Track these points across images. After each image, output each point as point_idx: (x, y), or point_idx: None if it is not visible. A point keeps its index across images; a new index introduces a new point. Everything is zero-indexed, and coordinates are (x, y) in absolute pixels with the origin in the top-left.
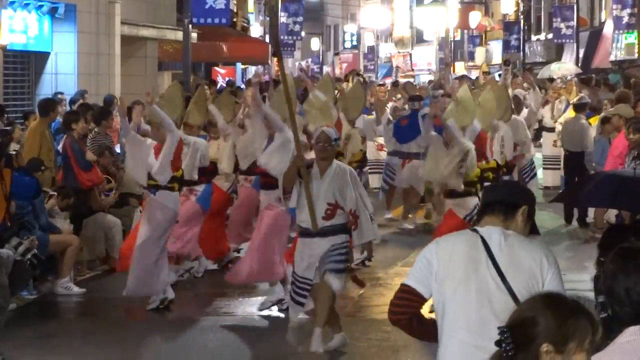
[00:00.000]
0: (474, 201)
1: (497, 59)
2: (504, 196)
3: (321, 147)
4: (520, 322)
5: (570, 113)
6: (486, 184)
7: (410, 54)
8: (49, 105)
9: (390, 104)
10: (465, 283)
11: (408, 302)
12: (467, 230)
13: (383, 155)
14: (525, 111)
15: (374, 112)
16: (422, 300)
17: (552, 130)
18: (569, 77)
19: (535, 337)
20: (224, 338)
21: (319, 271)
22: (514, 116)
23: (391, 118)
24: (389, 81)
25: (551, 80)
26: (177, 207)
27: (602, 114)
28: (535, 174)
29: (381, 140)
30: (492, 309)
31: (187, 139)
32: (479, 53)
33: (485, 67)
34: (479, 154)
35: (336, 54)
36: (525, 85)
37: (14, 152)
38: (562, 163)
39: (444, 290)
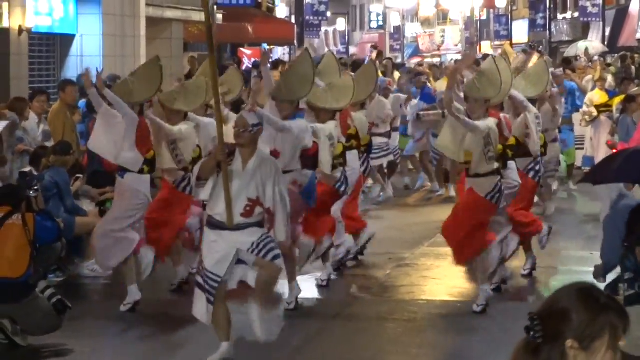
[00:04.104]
0: (495, 180)
1: (523, 37)
2: None
3: (236, 133)
4: (552, 313)
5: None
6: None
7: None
8: (59, 85)
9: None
10: None
11: None
12: None
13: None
14: None
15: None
16: None
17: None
18: (595, 58)
19: (565, 331)
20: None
21: (232, 267)
22: None
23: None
24: (414, 61)
25: (575, 59)
26: (148, 191)
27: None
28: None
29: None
30: None
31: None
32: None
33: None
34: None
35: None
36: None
37: (33, 194)
38: (586, 143)
39: None
